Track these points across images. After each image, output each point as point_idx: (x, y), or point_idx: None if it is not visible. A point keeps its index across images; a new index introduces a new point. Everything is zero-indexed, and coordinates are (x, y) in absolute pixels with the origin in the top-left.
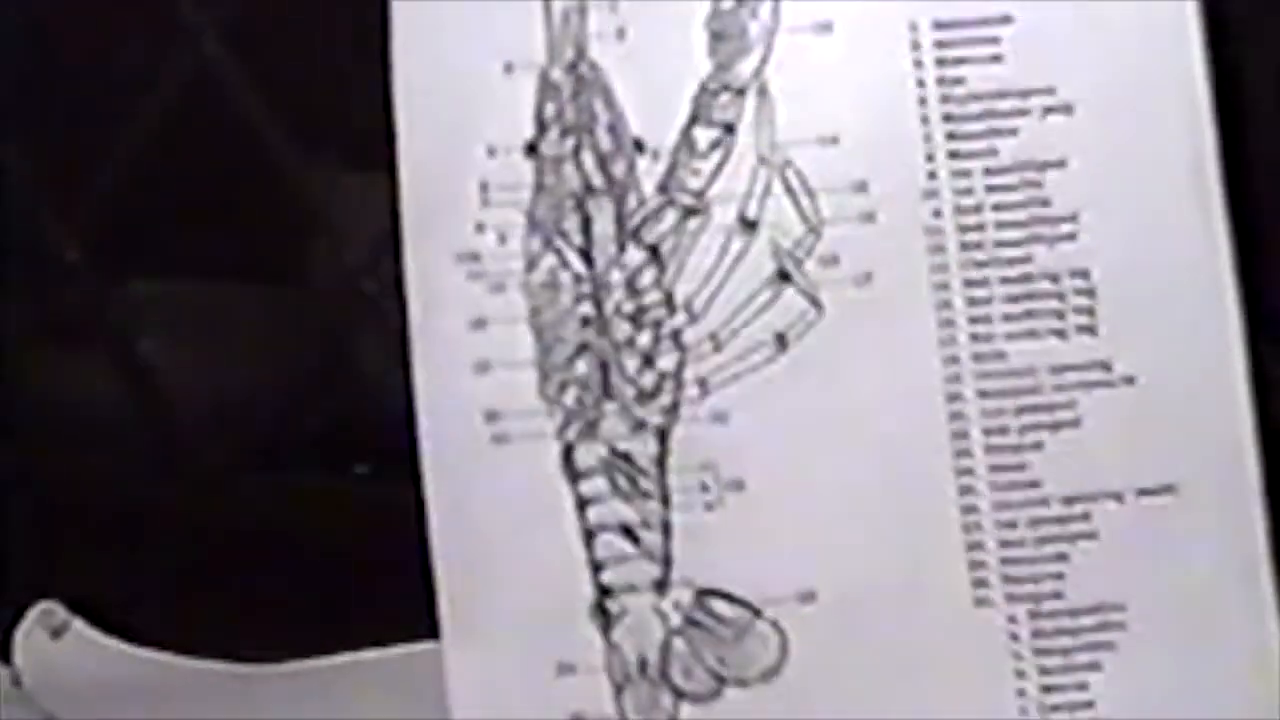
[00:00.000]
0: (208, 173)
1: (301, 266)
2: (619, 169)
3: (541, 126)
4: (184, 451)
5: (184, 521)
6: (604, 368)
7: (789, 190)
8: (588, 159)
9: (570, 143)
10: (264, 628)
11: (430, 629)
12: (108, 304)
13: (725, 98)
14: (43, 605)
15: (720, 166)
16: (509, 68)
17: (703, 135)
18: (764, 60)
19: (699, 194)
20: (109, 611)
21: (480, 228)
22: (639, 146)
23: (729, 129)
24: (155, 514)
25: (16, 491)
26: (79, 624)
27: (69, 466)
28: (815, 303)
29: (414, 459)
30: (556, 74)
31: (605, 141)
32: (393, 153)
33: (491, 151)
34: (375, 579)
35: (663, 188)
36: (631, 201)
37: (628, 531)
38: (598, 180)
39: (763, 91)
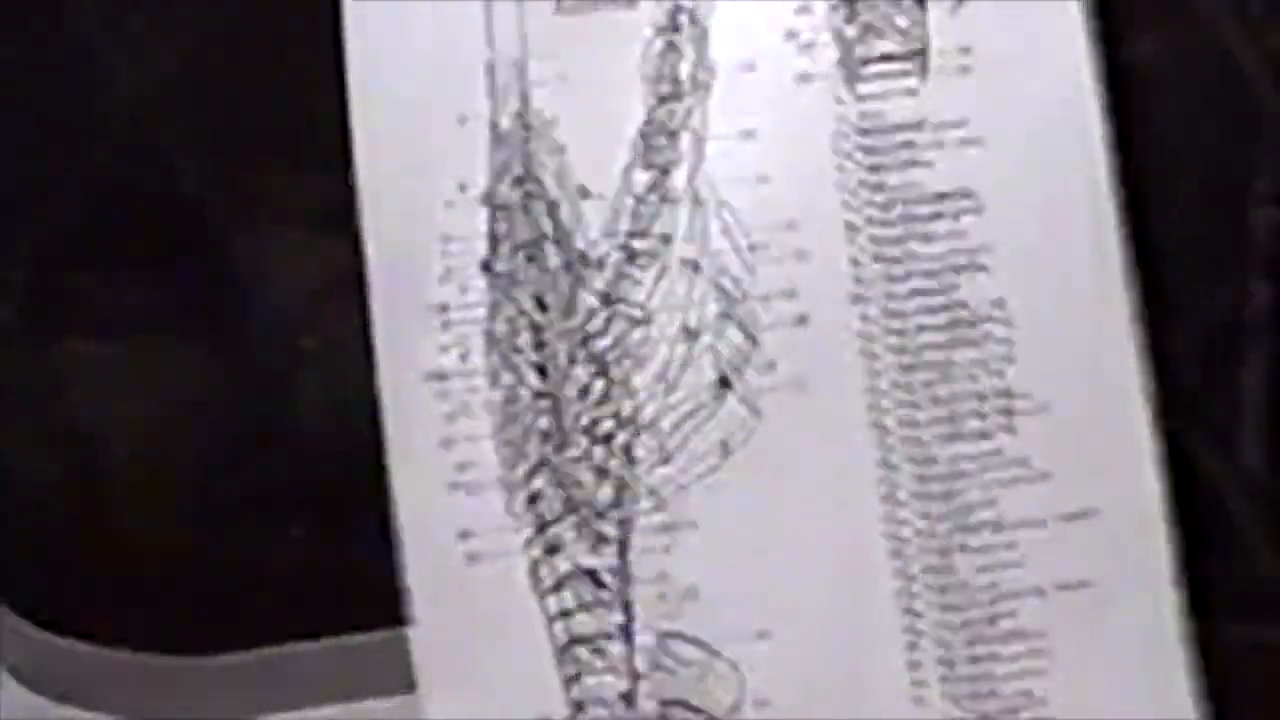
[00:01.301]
0: (141, 231)
1: (237, 324)
2: (565, 284)
3: (494, 244)
4: (117, 512)
5: (117, 581)
6: (563, 483)
7: (725, 298)
8: (536, 207)
9: (520, 191)
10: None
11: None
12: (38, 365)
13: (662, 208)
14: None
15: (660, 276)
16: (462, 119)
17: (641, 246)
18: (695, 167)
19: (641, 306)
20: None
21: (444, 348)
22: (584, 194)
23: (666, 239)
24: (88, 575)
25: None
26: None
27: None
28: (754, 410)
29: (394, 575)
30: (503, 192)
31: (553, 189)
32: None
33: (448, 275)
34: (311, 635)
35: (606, 299)
36: (579, 316)
37: (594, 645)
38: (550, 297)
39: (696, 199)
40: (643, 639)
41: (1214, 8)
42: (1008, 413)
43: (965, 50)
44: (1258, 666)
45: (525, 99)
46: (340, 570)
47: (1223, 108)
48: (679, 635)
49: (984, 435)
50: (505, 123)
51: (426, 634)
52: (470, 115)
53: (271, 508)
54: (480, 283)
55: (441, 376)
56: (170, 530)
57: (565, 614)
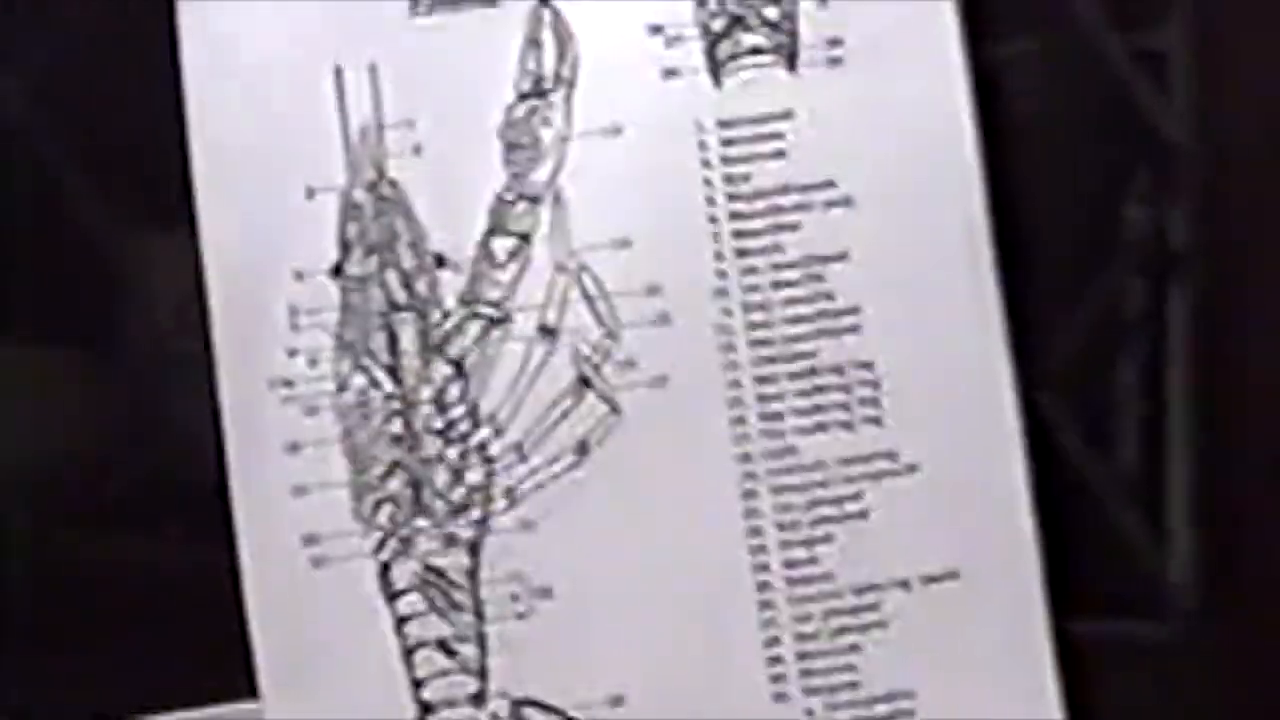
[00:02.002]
0: (14, 234)
1: (110, 328)
2: (422, 285)
3: (345, 247)
4: None
5: None
6: (415, 485)
7: (585, 296)
8: (391, 277)
9: (374, 261)
10: (73, 689)
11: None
12: None
13: (521, 207)
14: None
15: (519, 276)
16: (310, 192)
17: (500, 245)
18: (558, 167)
19: (499, 304)
20: None
21: (292, 352)
22: (440, 261)
23: (525, 238)
24: None
25: None
26: None
27: None
28: (614, 407)
29: (235, 581)
30: (358, 194)
31: (408, 258)
32: (200, 284)
33: (299, 276)
34: (187, 640)
35: (464, 300)
36: (435, 316)
37: (444, 646)
38: (401, 297)
39: (558, 198)
40: (496, 704)
41: (1086, 7)
42: (875, 403)
43: (835, 43)
44: (1131, 663)
45: (380, 168)
46: (214, 572)
47: (1094, 107)
48: (533, 703)
49: (849, 427)
50: (358, 194)
51: (269, 637)
52: (320, 188)
53: (145, 508)
54: (331, 287)
55: (288, 382)
56: (45, 533)
57: (416, 616)
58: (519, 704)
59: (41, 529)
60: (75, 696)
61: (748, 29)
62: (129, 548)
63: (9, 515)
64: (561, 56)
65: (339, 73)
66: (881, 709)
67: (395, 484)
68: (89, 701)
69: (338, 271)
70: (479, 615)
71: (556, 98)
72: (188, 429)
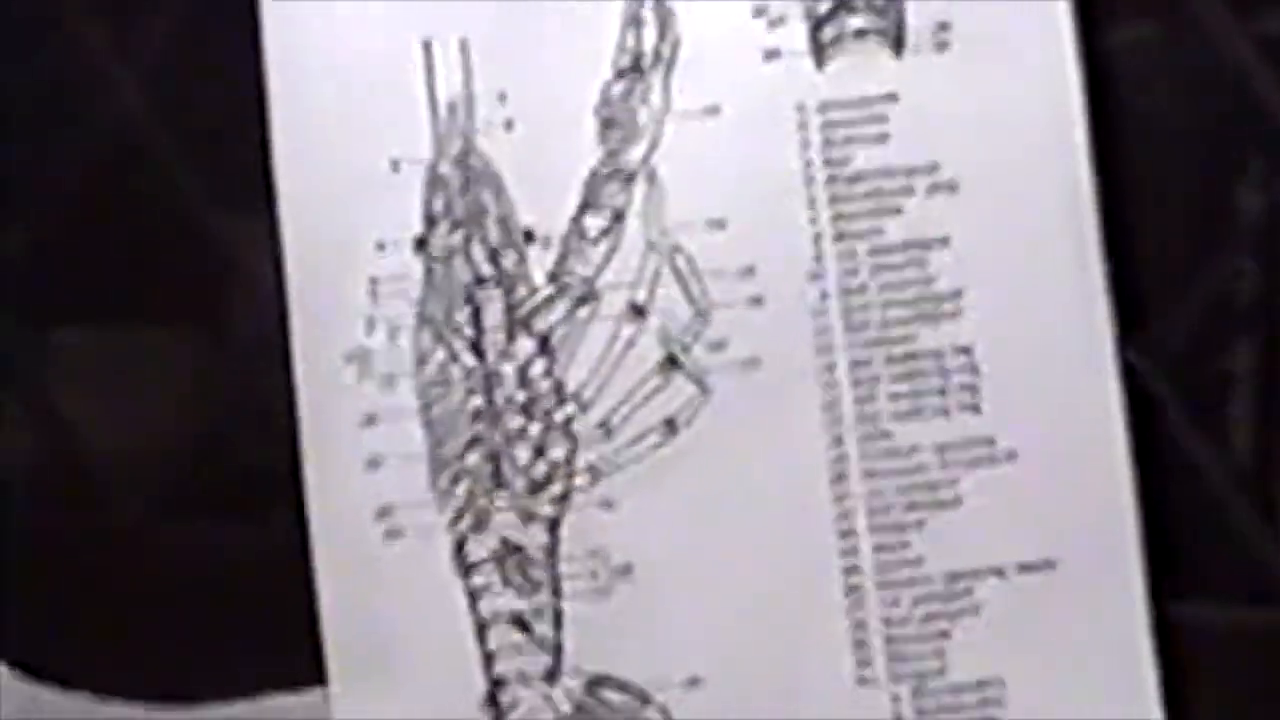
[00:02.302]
0: (123, 220)
1: (219, 314)
2: (509, 260)
3: (430, 221)
4: (100, 501)
5: (100, 571)
6: (495, 460)
7: (677, 276)
8: (477, 251)
9: (460, 236)
10: (182, 674)
11: None
12: (22, 353)
13: (615, 184)
14: None
15: (610, 254)
16: (396, 164)
17: (593, 223)
18: (653, 145)
19: (589, 281)
20: (25, 658)
21: (370, 325)
22: (529, 237)
23: (618, 216)
24: (71, 563)
25: None
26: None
27: None
28: (703, 387)
29: (306, 555)
30: (444, 168)
31: (495, 233)
32: (278, 255)
33: (380, 247)
34: (291, 625)
35: (553, 276)
36: (521, 291)
37: (519, 622)
38: (487, 271)
39: (651, 177)
40: (569, 681)
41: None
42: (973, 390)
43: (944, 27)
44: (1238, 650)
45: (469, 142)
46: None
47: (1209, 91)
48: (607, 679)
49: (945, 414)
50: (444, 167)
51: (338, 611)
52: (406, 160)
53: (253, 496)
54: (414, 260)
55: (365, 355)
56: (155, 526)
57: (490, 591)
58: (594, 681)
59: (150, 517)
60: (182, 681)
61: (853, 11)
62: (235, 535)
63: (117, 503)
64: (662, 35)
65: (428, 45)
66: (969, 697)
67: (474, 458)
68: (197, 687)
69: (421, 244)
70: (556, 592)
71: (655, 76)
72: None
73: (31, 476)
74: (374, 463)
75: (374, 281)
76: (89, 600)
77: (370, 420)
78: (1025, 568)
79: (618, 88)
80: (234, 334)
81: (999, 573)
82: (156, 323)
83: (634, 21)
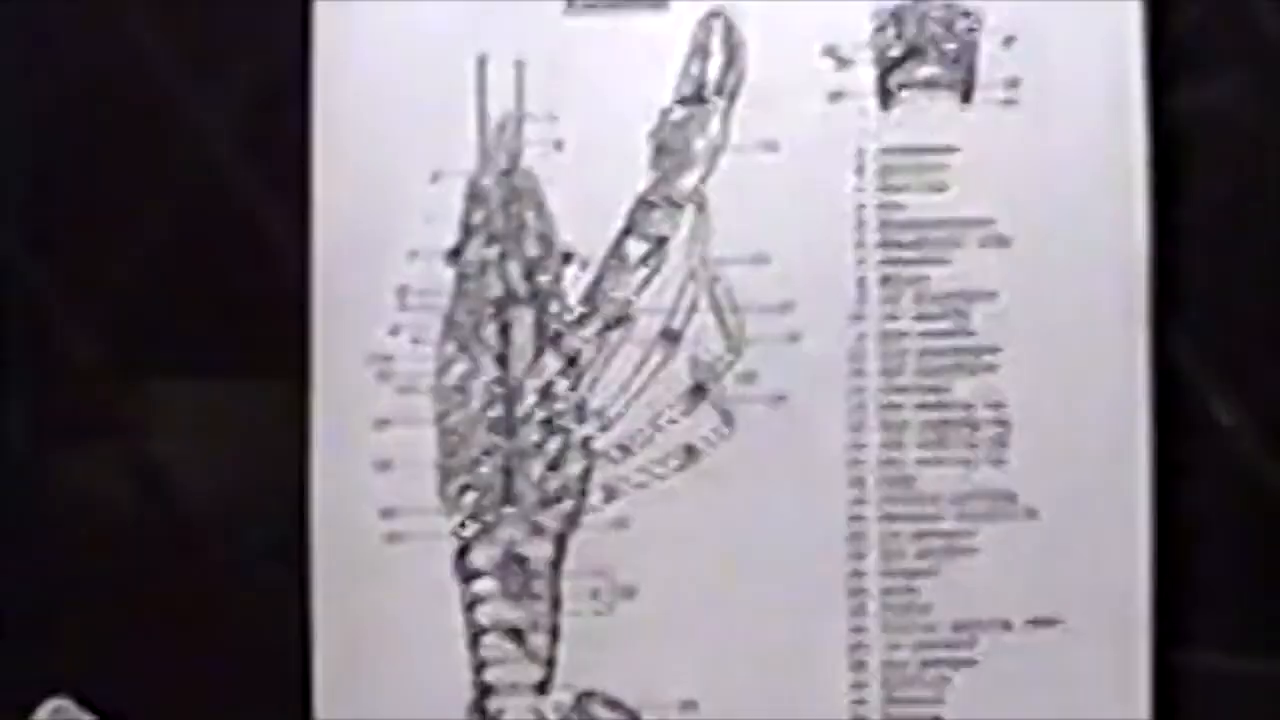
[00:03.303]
0: (218, 270)
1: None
2: (544, 277)
3: (467, 232)
4: (196, 549)
5: (196, 619)
6: (507, 472)
7: (714, 306)
8: (512, 267)
9: (495, 250)
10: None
11: None
12: (118, 403)
13: (662, 211)
14: (54, 702)
15: (649, 279)
16: (436, 175)
17: (634, 247)
18: (706, 175)
19: (624, 304)
20: (120, 708)
21: (395, 330)
22: (567, 258)
23: (661, 242)
24: (167, 612)
25: (30, 589)
26: None
27: (81, 565)
28: (727, 419)
29: (303, 553)
30: (486, 181)
31: (533, 249)
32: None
33: (413, 256)
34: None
35: (588, 298)
36: (553, 309)
37: (514, 633)
38: (521, 288)
39: (700, 207)
40: (560, 695)
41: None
42: (1001, 444)
43: (1013, 84)
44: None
45: (515, 158)
46: None
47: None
48: (598, 695)
49: (970, 465)
50: (486, 181)
51: (331, 608)
52: (447, 172)
53: None
54: (445, 270)
55: (387, 358)
56: (250, 573)
57: (489, 599)
58: (584, 696)
59: (245, 566)
60: None
61: (924, 60)
62: None
63: (212, 551)
64: (728, 66)
65: (482, 62)
66: None
67: (486, 469)
68: None
69: (455, 255)
70: (555, 606)
71: (716, 107)
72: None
73: (129, 523)
74: (383, 464)
75: (403, 290)
76: (182, 644)
77: (383, 424)
78: (1032, 622)
79: (677, 115)
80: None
81: (1005, 625)
82: (250, 374)
83: (701, 51)
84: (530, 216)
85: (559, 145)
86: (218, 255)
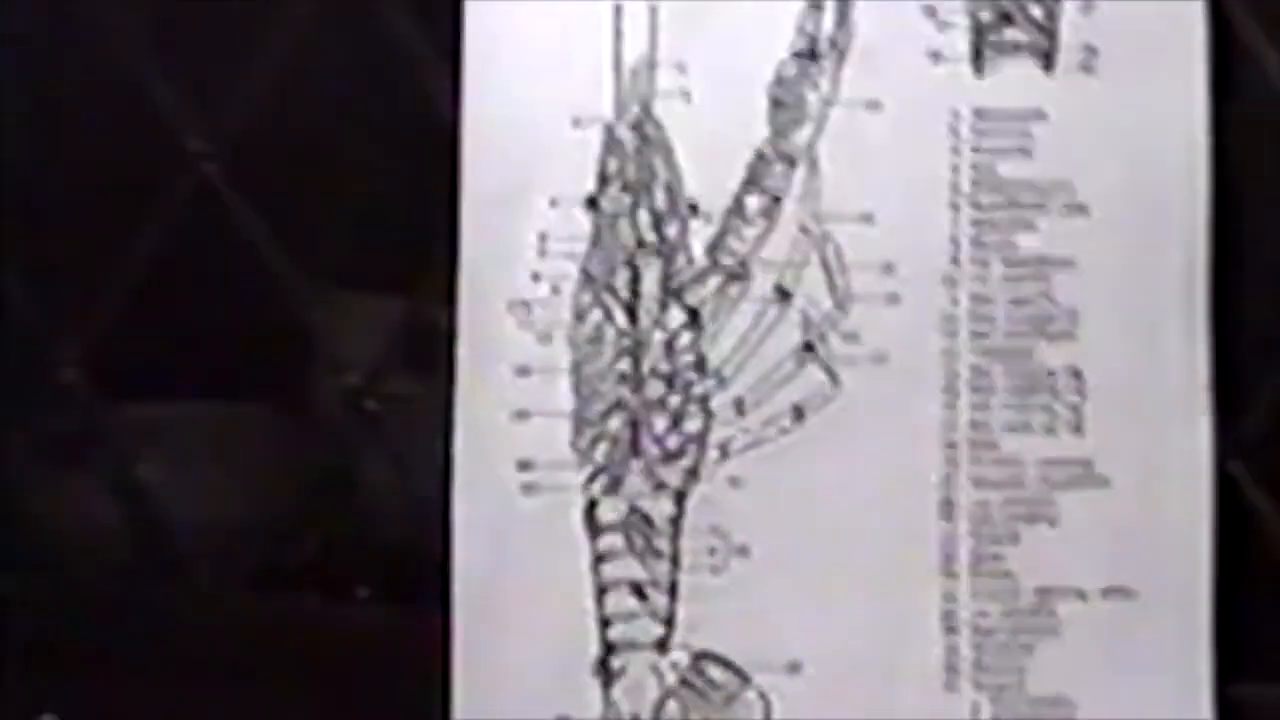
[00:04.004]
0: (207, 295)
1: (302, 387)
2: (672, 228)
3: (603, 180)
4: (183, 573)
5: (182, 643)
6: (634, 425)
7: (825, 264)
8: (643, 216)
9: (629, 199)
10: None
11: None
12: (106, 426)
13: (778, 167)
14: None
15: (765, 234)
16: (577, 122)
17: (753, 201)
18: (818, 131)
19: (742, 259)
20: None
21: (535, 277)
22: (693, 209)
23: (777, 199)
24: (154, 635)
25: (16, 611)
26: None
27: (68, 587)
28: (834, 377)
29: (446, 506)
30: (622, 130)
31: (662, 199)
32: (454, 211)
33: (554, 203)
34: (374, 701)
35: (710, 249)
36: (679, 261)
37: (637, 589)
38: (650, 238)
39: (813, 164)
40: (678, 654)
41: None
42: (1078, 410)
43: (1092, 50)
44: None
45: (647, 107)
46: (404, 634)
47: None
48: (714, 657)
49: (1052, 431)
50: (622, 130)
51: (470, 559)
52: (586, 119)
53: (336, 569)
54: (584, 217)
55: (527, 306)
56: (235, 598)
57: (614, 555)
58: (699, 656)
59: (232, 590)
60: None
61: (1013, 24)
62: (319, 609)
63: (199, 576)
64: (840, 23)
65: (618, 9)
66: (1045, 712)
67: (615, 422)
68: None
69: (593, 203)
70: (675, 563)
71: (828, 63)
72: (376, 491)
73: (115, 546)
74: (522, 414)
75: (543, 238)
76: (168, 668)
77: (524, 371)
78: (1106, 591)
79: (792, 69)
80: (313, 411)
81: (1081, 594)
82: (238, 398)
83: (815, 6)
84: (660, 166)
85: (686, 95)
86: (210, 280)
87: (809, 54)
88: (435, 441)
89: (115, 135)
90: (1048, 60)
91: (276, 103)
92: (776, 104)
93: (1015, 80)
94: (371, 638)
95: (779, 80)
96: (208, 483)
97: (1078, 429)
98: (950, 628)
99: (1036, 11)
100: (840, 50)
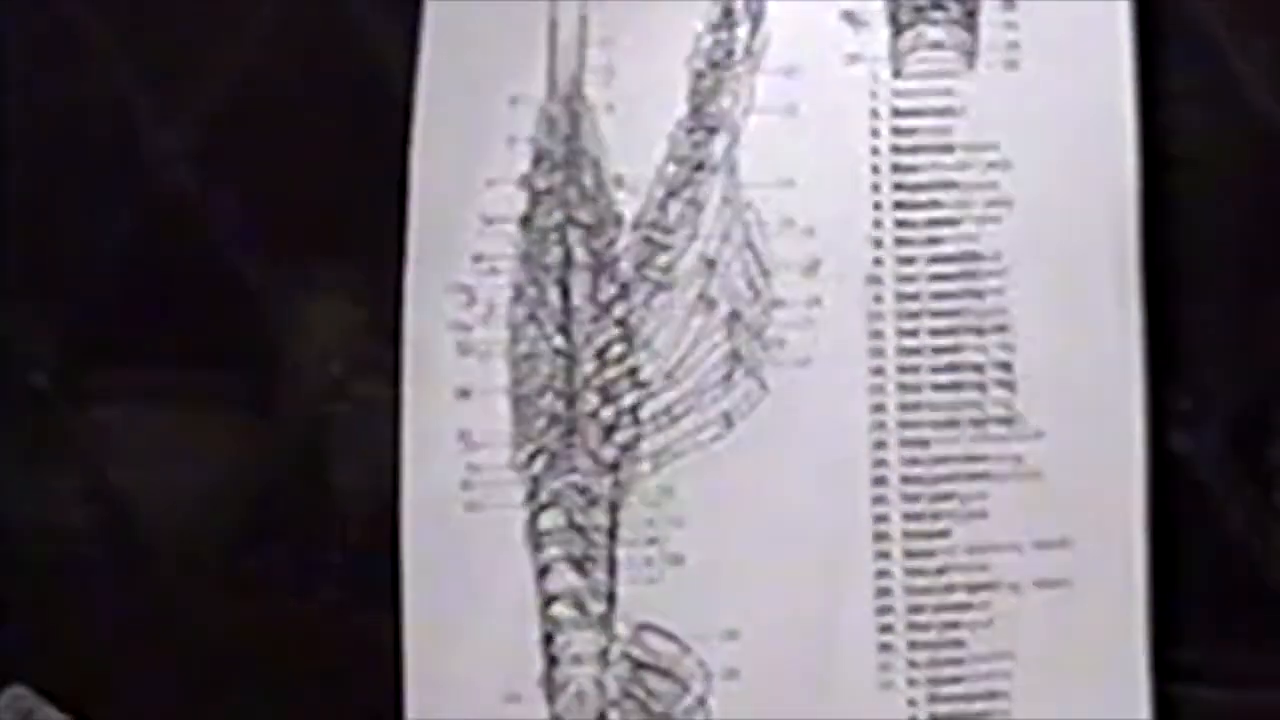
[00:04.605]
0: (175, 298)
1: (270, 390)
2: (599, 241)
3: (537, 161)
4: (152, 577)
5: (152, 646)
6: (569, 441)
7: (744, 268)
8: (572, 194)
9: (560, 176)
10: None
11: None
12: (75, 430)
13: (699, 135)
14: (13, 690)
15: (688, 244)
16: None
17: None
18: (740, 104)
19: (667, 269)
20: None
21: (471, 301)
22: (618, 182)
23: (699, 166)
24: (123, 639)
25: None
26: (48, 710)
27: (37, 591)
28: (762, 383)
29: (395, 525)
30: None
31: (589, 177)
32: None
33: (485, 225)
34: (338, 703)
35: (637, 225)
36: (606, 278)
37: (577, 603)
38: (579, 253)
39: (732, 169)
40: (619, 627)
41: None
42: (1008, 405)
43: (1014, 46)
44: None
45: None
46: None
47: (1262, 180)
48: (652, 627)
49: (980, 425)
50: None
51: (420, 579)
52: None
53: (304, 573)
54: (516, 235)
55: (466, 327)
56: (204, 600)
57: (553, 569)
58: (640, 667)
59: (201, 594)
60: None
61: (932, 23)
62: (287, 613)
63: (168, 579)
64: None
65: None
66: (979, 706)
67: (552, 438)
68: None
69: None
70: (612, 574)
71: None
72: (345, 492)
73: (82, 549)
74: (464, 435)
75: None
76: (139, 671)
77: (464, 393)
78: (1040, 584)
79: (707, 80)
80: (281, 413)
81: (1015, 588)
82: (204, 400)
83: (725, 17)
84: (589, 143)
85: (611, 71)
86: (177, 283)
87: (724, 64)
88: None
89: (82, 135)
90: (969, 58)
91: (242, 106)
92: (698, 75)
93: (935, 80)
94: (336, 642)
95: (694, 92)
96: (175, 486)
97: (1008, 423)
98: (884, 626)
99: (955, 10)
100: (756, 56)
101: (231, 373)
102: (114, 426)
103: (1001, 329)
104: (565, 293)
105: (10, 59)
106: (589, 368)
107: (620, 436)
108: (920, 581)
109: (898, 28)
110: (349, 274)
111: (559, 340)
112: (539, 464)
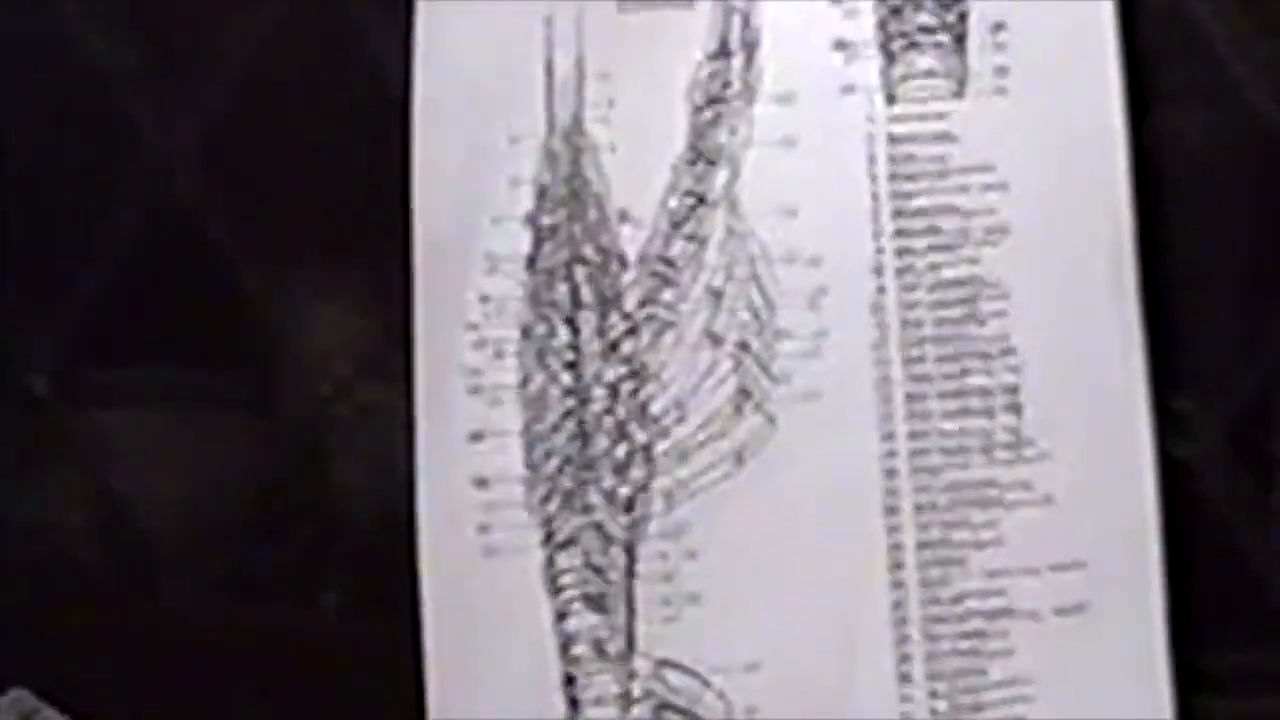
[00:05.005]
0: (176, 302)
1: (271, 394)
2: (606, 278)
3: (542, 196)
4: (152, 581)
5: (151, 648)
6: (583, 481)
7: (749, 304)
8: (578, 272)
9: (563, 212)
10: None
11: None
12: (75, 434)
13: (700, 167)
14: (14, 692)
15: (691, 282)
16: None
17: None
18: (737, 134)
19: (672, 307)
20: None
21: (480, 343)
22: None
23: (702, 199)
24: (124, 643)
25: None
26: (49, 711)
27: (38, 597)
28: (770, 419)
29: (414, 571)
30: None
31: (593, 212)
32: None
33: (492, 267)
34: (343, 710)
35: (641, 302)
36: (614, 316)
37: (597, 645)
38: (586, 291)
39: (733, 206)
40: (639, 663)
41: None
42: (1016, 432)
43: (1002, 71)
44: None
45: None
46: (371, 642)
47: (1260, 184)
48: (672, 664)
49: (989, 453)
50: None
51: (440, 624)
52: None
53: (305, 577)
54: (521, 275)
55: (475, 372)
56: (205, 602)
57: (572, 611)
58: (662, 708)
59: (202, 598)
60: None
61: (922, 51)
62: (288, 617)
63: (169, 583)
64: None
65: (549, 20)
66: None
67: (566, 479)
68: None
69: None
70: (631, 615)
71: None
72: (345, 494)
73: (83, 554)
74: (480, 480)
75: (485, 300)
76: (139, 672)
77: (477, 436)
78: (1058, 611)
79: (705, 115)
80: (283, 419)
81: (1034, 615)
82: (206, 403)
83: (721, 51)
84: (592, 178)
85: (611, 104)
86: (178, 286)
87: (720, 99)
88: (404, 449)
89: (82, 135)
90: (960, 85)
91: (242, 106)
92: (696, 109)
93: (928, 107)
94: (340, 646)
95: (693, 129)
96: (177, 490)
97: (1017, 448)
98: (904, 655)
99: (944, 38)
100: (751, 90)
101: (231, 374)
102: (114, 428)
103: (1006, 352)
104: (574, 331)
105: (10, 59)
106: (599, 406)
107: (634, 474)
108: (937, 610)
109: (890, 56)
110: (349, 274)
111: (568, 379)
112: (553, 505)
